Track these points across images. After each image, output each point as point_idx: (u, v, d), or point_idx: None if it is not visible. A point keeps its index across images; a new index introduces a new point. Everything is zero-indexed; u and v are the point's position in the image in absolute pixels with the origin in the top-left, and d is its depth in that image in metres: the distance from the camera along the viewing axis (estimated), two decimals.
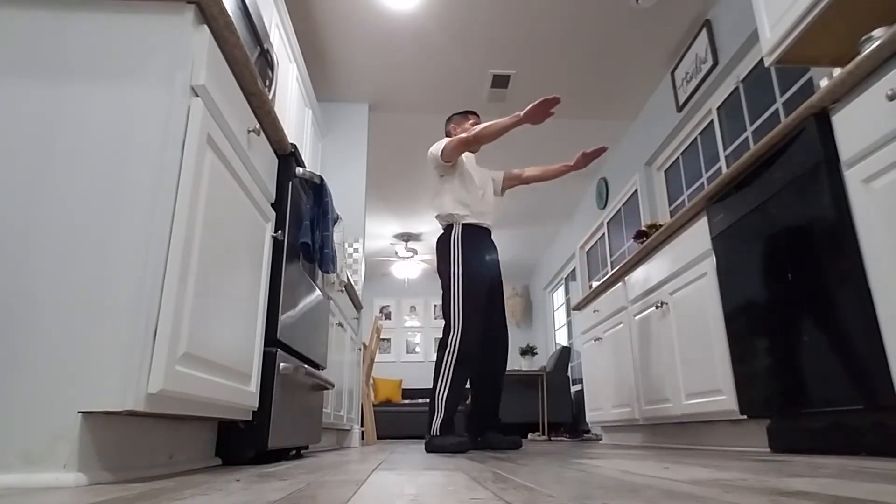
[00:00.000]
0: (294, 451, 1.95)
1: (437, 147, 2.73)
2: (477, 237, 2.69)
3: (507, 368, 2.81)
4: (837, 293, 1.51)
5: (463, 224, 2.68)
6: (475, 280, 2.58)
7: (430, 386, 2.50)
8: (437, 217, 2.79)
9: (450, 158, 2.70)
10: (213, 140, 1.16)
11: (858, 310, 1.43)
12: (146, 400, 0.93)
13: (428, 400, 2.53)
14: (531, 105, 2.44)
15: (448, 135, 2.91)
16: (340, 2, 3.27)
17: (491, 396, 2.69)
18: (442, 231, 2.77)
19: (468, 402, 2.76)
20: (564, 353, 6.07)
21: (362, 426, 4.16)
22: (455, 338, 2.44)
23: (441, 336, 2.54)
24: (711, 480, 0.86)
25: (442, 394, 2.39)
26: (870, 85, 1.40)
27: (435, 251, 2.77)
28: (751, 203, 1.91)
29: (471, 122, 2.89)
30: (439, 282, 2.65)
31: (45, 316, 0.94)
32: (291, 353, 1.74)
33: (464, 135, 2.68)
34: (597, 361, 3.63)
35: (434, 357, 2.61)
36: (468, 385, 2.59)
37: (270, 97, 1.92)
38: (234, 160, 1.29)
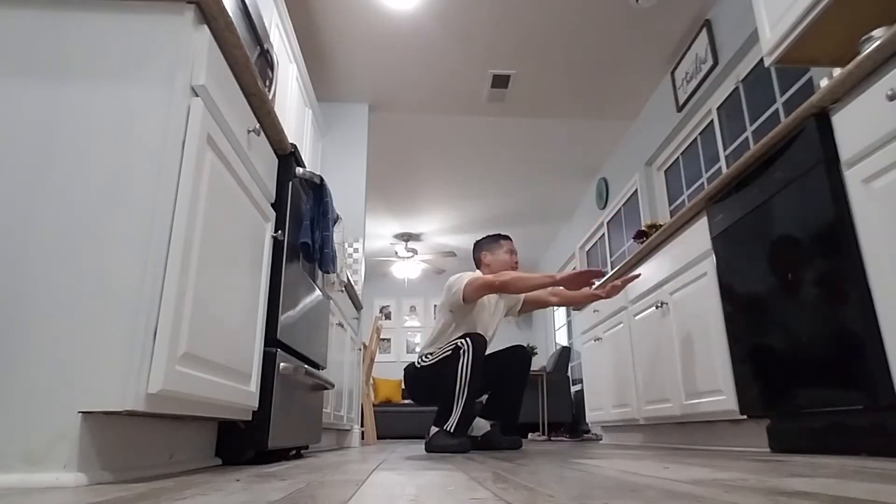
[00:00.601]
0: (294, 451, 1.95)
1: (459, 284, 2.52)
2: None
3: None
4: (837, 293, 1.51)
5: None
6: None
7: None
8: (427, 352, 2.59)
9: (470, 300, 2.53)
10: (213, 140, 1.16)
11: (858, 310, 1.43)
12: (146, 400, 0.93)
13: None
14: (573, 272, 2.34)
15: (478, 262, 2.78)
16: (340, 2, 3.27)
17: (511, 397, 2.67)
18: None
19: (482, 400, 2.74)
20: (564, 353, 6.07)
21: (362, 426, 4.16)
22: (467, 348, 2.41)
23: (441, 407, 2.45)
24: (711, 480, 0.86)
25: (461, 395, 2.36)
26: (870, 85, 1.40)
27: (407, 380, 2.65)
28: (751, 203, 1.91)
29: (504, 248, 2.74)
30: (436, 374, 2.47)
31: (45, 316, 0.94)
32: (291, 353, 1.74)
33: (491, 278, 2.52)
34: (597, 361, 3.63)
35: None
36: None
37: (270, 97, 1.92)
38: (234, 160, 1.29)
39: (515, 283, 2.49)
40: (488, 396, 2.73)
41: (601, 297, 2.67)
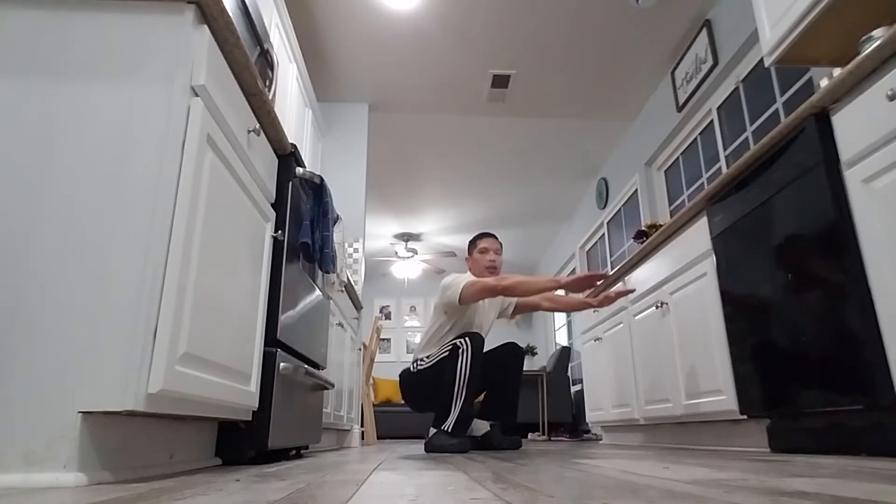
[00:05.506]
0: (294, 452, 1.95)
1: (456, 286, 2.49)
2: None
3: None
4: (837, 293, 1.51)
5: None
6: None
7: None
8: (422, 356, 2.57)
9: (467, 303, 2.51)
10: (213, 140, 1.16)
11: (858, 310, 1.43)
12: (146, 400, 0.93)
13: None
14: (575, 276, 2.30)
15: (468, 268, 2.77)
16: (340, 2, 3.27)
17: (508, 394, 2.67)
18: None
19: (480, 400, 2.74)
20: (564, 353, 6.07)
21: (362, 426, 4.16)
22: (466, 346, 2.40)
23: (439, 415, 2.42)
24: (712, 480, 0.86)
25: (460, 393, 2.36)
26: (870, 85, 1.40)
27: (403, 385, 2.65)
28: (751, 203, 1.91)
29: (477, 248, 2.72)
30: (433, 378, 2.46)
31: (45, 316, 0.94)
32: (291, 353, 1.74)
33: (493, 282, 2.46)
34: (597, 361, 3.63)
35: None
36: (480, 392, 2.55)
37: (270, 97, 1.92)
38: (234, 160, 1.29)
39: (519, 287, 2.47)
40: (485, 397, 2.73)
41: (593, 307, 2.67)
